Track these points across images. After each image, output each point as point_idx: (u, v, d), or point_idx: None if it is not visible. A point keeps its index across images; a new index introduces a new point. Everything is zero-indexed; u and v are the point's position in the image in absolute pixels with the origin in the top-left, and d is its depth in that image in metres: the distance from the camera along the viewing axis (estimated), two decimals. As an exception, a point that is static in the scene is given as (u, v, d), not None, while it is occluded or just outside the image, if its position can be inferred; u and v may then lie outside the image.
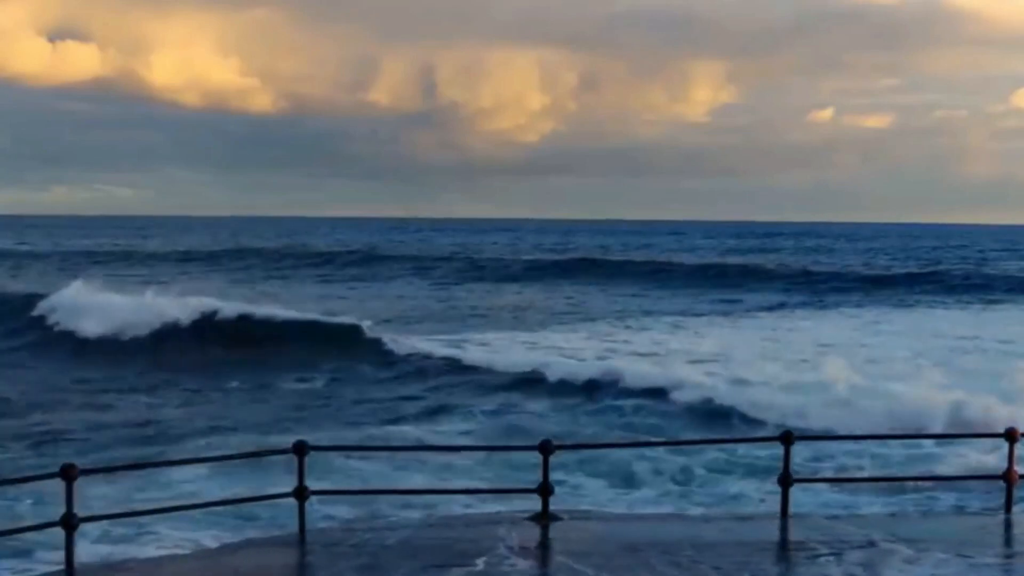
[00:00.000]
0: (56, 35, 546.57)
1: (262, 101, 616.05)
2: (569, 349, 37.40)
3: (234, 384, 33.16)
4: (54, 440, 24.12)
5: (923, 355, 33.69)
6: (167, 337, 41.36)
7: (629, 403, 27.66)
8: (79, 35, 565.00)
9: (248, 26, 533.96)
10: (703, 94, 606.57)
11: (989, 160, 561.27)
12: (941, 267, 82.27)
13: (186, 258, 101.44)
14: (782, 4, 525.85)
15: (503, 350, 37.32)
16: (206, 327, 42.52)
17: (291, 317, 43.38)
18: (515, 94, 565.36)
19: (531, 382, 31.39)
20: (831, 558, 11.91)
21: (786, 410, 24.92)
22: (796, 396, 26.29)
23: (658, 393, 28.22)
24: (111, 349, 40.32)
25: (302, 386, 33.27)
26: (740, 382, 28.40)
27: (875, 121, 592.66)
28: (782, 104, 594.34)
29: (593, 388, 29.99)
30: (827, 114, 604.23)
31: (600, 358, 34.40)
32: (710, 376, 29.61)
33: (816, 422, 23.72)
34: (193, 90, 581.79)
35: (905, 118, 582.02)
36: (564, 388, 30.37)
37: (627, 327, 45.48)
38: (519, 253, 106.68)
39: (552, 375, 31.38)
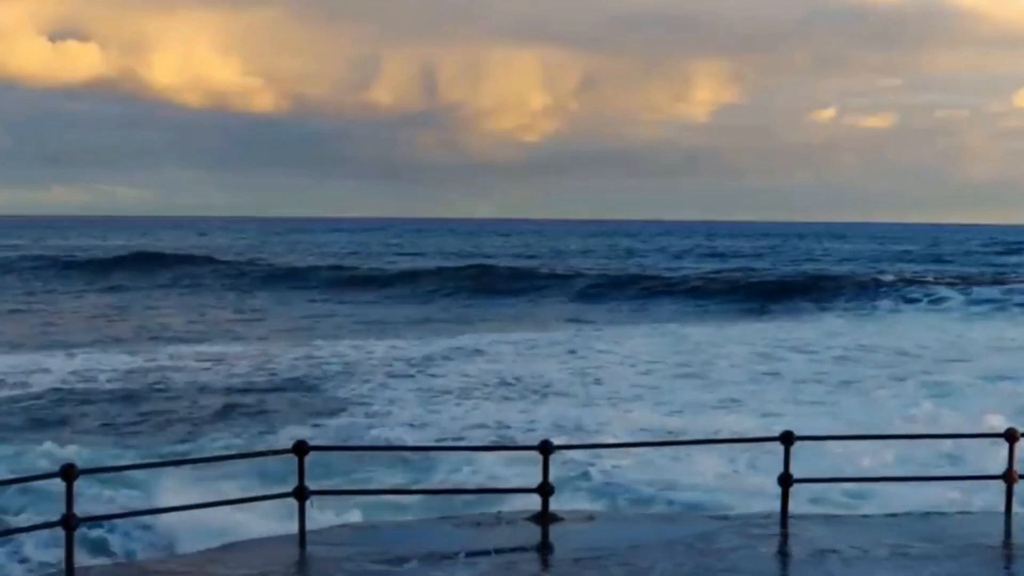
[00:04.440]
0: (56, 35, 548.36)
1: (264, 101, 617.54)
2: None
3: None
4: None
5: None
6: None
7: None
8: (80, 34, 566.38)
9: (250, 25, 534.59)
10: (704, 94, 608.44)
11: (990, 160, 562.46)
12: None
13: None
14: (784, 4, 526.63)
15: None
16: None
17: None
18: (516, 94, 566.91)
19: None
20: (835, 559, 12.07)
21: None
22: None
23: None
24: None
25: None
26: None
27: (877, 121, 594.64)
28: (784, 104, 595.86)
29: None
30: (829, 114, 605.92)
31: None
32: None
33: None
34: (194, 90, 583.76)
35: (906, 118, 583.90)
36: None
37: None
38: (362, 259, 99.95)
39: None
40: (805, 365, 33.81)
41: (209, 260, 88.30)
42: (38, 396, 28.90)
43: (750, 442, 17.38)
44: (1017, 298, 55.79)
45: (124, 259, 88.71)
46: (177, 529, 15.07)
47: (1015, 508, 13.98)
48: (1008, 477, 13.93)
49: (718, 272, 79.36)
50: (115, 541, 15.10)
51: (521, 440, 21.80)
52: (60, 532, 11.28)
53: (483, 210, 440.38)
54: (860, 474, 17.27)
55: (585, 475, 18.26)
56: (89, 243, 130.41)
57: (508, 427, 24.82)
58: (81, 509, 11.25)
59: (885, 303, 55.59)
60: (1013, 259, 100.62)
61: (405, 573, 11.78)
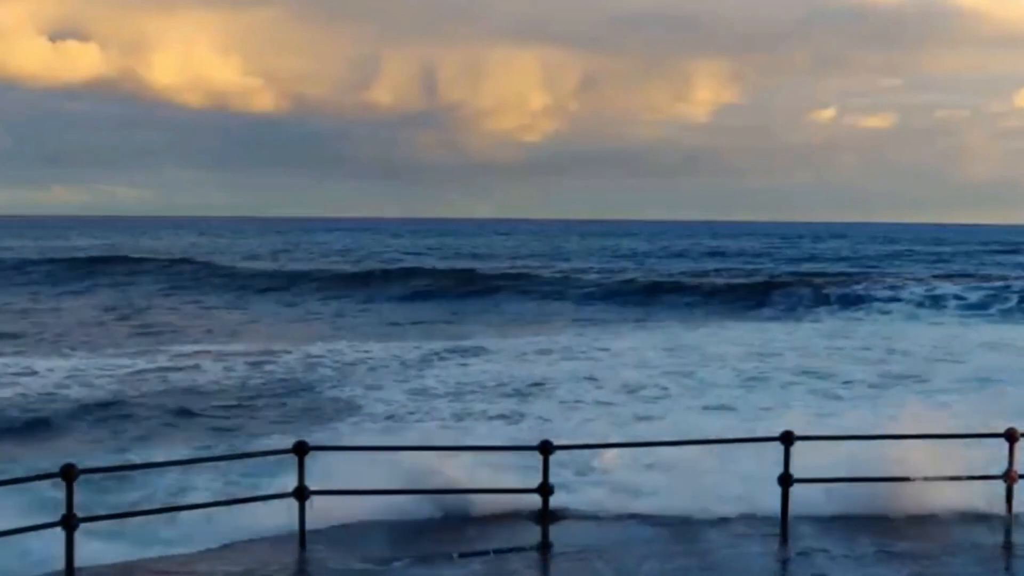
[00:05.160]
0: (57, 35, 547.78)
1: (263, 101, 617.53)
2: None
3: None
4: None
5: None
6: None
7: None
8: (80, 34, 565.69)
9: (250, 25, 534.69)
10: (705, 94, 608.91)
11: (990, 160, 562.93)
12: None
13: None
14: (784, 4, 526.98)
15: None
16: None
17: None
18: (517, 94, 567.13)
19: None
20: (822, 558, 12.31)
21: None
22: None
23: None
24: None
25: None
26: None
27: (877, 121, 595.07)
28: (784, 104, 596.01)
29: None
30: (829, 114, 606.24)
31: None
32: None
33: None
34: (194, 90, 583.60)
35: (907, 118, 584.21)
36: None
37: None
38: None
39: None
40: (798, 366, 33.69)
41: (205, 261, 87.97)
42: (32, 398, 28.81)
43: (750, 442, 17.39)
44: (1014, 297, 55.78)
45: (120, 260, 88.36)
46: None
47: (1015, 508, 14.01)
48: (1008, 477, 13.94)
49: (716, 272, 79.25)
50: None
51: (508, 442, 21.83)
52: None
53: (483, 210, 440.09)
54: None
55: (580, 475, 18.22)
56: (87, 243, 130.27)
57: (499, 429, 24.80)
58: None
59: (881, 303, 55.56)
60: (1012, 259, 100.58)
61: (391, 572, 11.83)
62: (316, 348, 38.29)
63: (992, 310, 53.07)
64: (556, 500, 13.43)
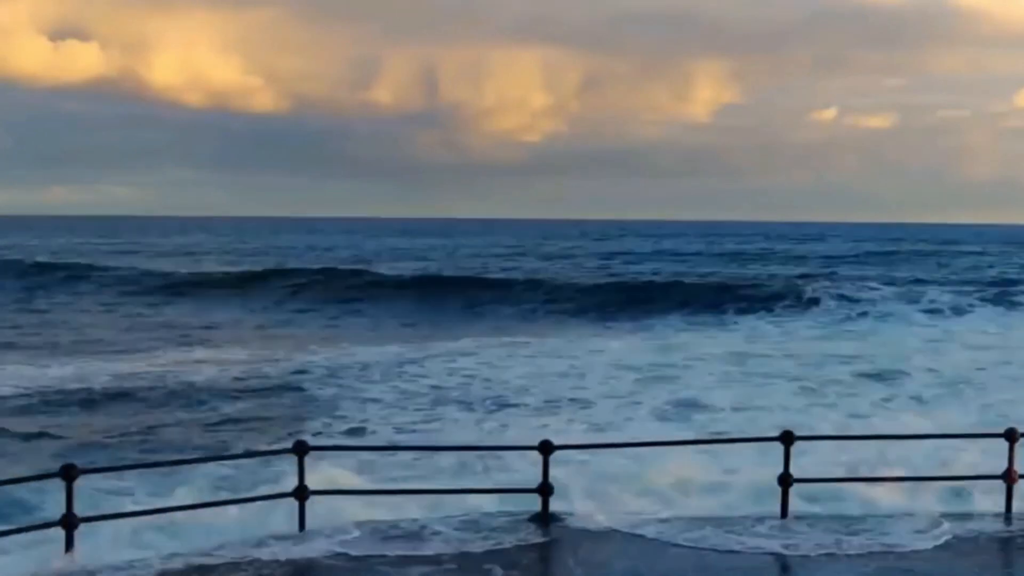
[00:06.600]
0: (57, 34, 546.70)
1: (264, 100, 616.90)
2: None
3: None
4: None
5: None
6: None
7: None
8: (80, 34, 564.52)
9: (250, 25, 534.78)
10: (706, 94, 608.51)
11: (992, 160, 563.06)
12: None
13: None
14: (785, 4, 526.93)
15: None
16: None
17: None
18: (518, 94, 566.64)
19: None
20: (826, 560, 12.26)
21: None
22: None
23: None
24: None
25: None
26: None
27: (878, 121, 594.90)
28: (785, 104, 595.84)
29: None
30: (830, 114, 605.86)
31: None
32: None
33: None
34: (194, 89, 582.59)
35: (908, 118, 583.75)
36: None
37: None
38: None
39: None
40: (786, 368, 33.48)
41: (199, 262, 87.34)
42: (21, 402, 28.68)
43: (747, 442, 17.37)
44: (1011, 298, 55.81)
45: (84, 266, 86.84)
46: None
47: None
48: (1008, 477, 13.93)
49: (715, 273, 79.17)
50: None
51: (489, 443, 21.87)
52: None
53: (483, 210, 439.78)
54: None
55: (576, 476, 18.23)
56: (78, 244, 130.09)
57: (490, 429, 24.86)
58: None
59: (880, 304, 55.19)
60: (1013, 259, 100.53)
61: (371, 568, 11.85)
62: (307, 351, 38.14)
63: (989, 311, 53.00)
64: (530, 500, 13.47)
